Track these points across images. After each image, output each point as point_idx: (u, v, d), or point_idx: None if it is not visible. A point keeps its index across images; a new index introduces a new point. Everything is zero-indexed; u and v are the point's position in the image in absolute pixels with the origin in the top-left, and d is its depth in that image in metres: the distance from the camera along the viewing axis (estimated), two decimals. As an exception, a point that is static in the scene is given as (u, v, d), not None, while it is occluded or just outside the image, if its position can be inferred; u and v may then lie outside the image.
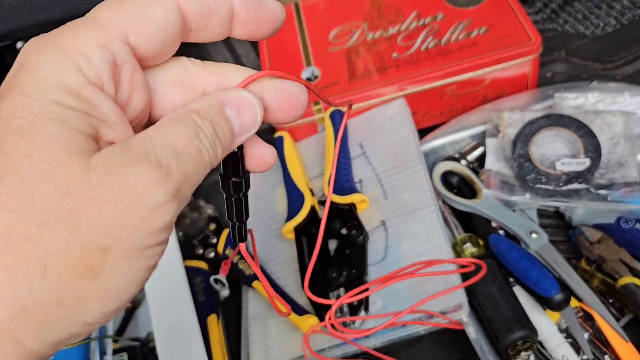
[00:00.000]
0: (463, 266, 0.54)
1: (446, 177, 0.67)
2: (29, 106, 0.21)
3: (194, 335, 0.56)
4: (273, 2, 0.27)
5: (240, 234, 0.29)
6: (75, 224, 0.20)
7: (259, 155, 0.28)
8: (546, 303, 0.54)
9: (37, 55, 0.22)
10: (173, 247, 0.63)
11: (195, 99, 0.25)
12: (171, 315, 0.58)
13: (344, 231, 0.62)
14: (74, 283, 0.20)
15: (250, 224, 0.77)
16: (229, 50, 1.01)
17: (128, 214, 0.21)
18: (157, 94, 0.26)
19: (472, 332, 0.55)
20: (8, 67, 0.23)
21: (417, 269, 0.51)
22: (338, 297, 0.58)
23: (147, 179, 0.21)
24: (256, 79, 0.27)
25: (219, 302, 0.67)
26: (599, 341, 0.54)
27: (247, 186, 0.28)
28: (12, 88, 0.22)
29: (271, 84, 0.27)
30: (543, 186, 0.60)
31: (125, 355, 0.58)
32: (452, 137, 0.71)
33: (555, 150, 0.63)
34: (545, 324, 0.55)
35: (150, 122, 0.26)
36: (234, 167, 0.27)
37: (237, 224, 0.29)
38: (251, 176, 0.29)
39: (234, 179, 0.28)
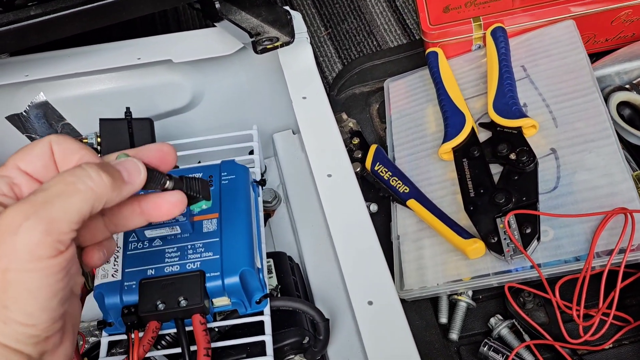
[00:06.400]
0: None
1: (617, 108, 0.63)
2: None
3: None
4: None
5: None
6: None
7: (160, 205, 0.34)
8: None
9: None
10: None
11: None
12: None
13: (512, 156, 0.59)
14: None
15: (396, 142, 0.73)
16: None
17: (7, 243, 0.27)
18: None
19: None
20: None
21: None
22: (508, 223, 0.56)
23: (14, 217, 0.27)
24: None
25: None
26: None
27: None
28: None
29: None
30: None
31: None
32: (623, 66, 0.66)
33: None
34: None
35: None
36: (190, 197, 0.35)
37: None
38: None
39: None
